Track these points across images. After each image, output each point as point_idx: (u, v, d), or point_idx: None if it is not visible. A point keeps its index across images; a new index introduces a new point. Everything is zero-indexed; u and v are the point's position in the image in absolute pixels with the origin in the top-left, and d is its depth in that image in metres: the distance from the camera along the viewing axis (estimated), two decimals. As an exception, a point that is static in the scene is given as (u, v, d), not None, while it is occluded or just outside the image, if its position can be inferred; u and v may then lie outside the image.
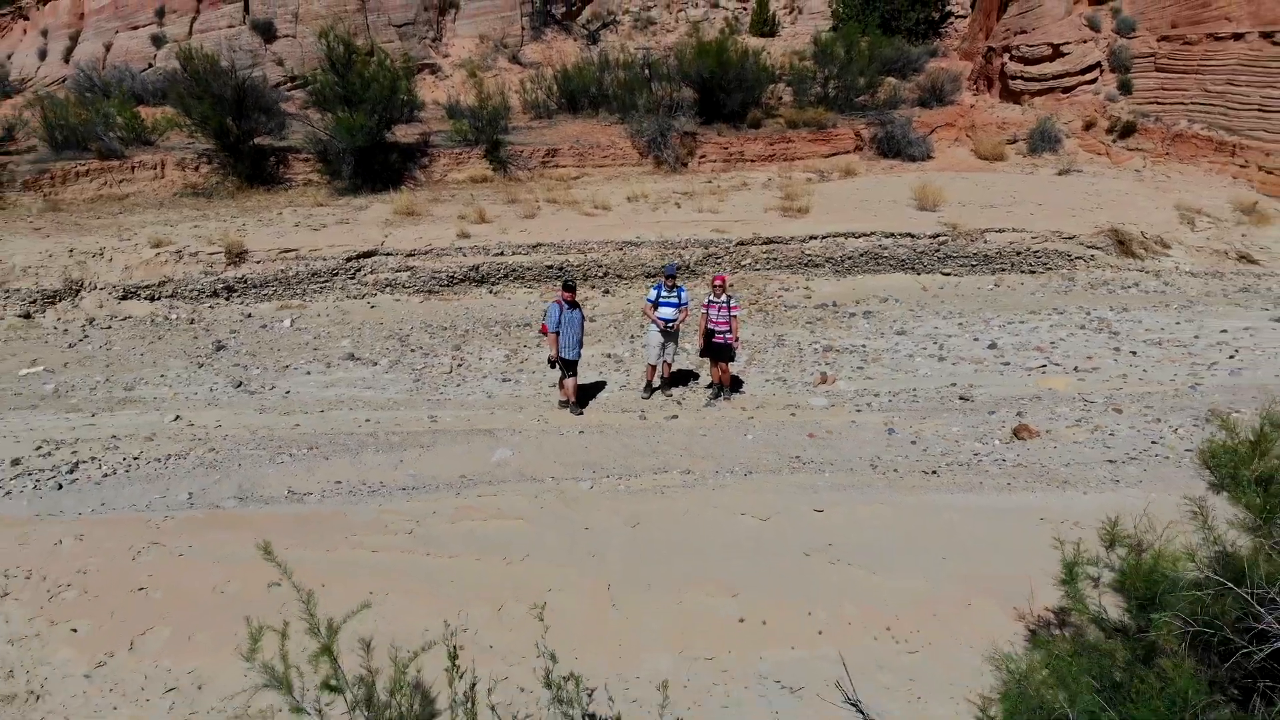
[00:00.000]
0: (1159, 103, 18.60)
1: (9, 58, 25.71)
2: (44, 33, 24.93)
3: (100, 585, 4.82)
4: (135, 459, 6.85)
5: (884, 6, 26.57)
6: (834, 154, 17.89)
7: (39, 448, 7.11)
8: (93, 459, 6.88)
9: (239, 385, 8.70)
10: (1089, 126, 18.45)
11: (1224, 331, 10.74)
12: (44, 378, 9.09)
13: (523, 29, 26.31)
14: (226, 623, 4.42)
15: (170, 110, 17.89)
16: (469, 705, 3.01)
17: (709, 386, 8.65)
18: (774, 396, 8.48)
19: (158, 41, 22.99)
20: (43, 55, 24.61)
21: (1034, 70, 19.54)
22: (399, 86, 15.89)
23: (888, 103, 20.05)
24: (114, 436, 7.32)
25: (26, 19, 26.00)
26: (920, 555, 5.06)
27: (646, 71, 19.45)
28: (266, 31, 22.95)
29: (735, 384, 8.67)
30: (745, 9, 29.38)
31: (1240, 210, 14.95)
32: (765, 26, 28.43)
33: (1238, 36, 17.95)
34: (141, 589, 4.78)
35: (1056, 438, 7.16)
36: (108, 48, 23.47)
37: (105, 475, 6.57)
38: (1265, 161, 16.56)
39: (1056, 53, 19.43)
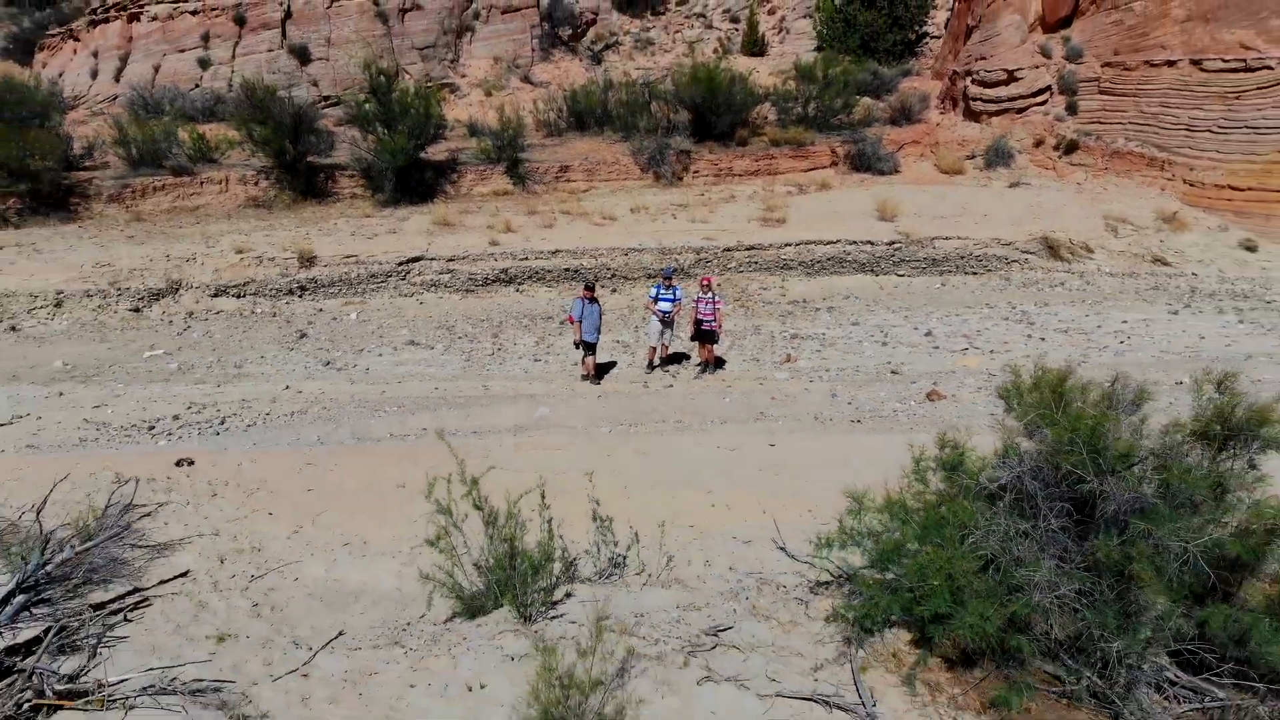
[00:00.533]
0: (1101, 122, 20.90)
1: (60, 75, 27.93)
2: (94, 53, 27.16)
3: (279, 488, 7.07)
4: (266, 415, 9.12)
5: (864, 29, 28.88)
6: (812, 169, 20.18)
7: (189, 407, 9.37)
8: (234, 415, 9.14)
9: (327, 364, 10.97)
10: (1039, 144, 20.75)
11: (1124, 322, 13.03)
12: (166, 359, 11.34)
13: (533, 51, 28.60)
14: (374, 508, 6.67)
15: (226, 129, 20.22)
16: (548, 525, 5.25)
17: (698, 364, 10.92)
18: (748, 371, 10.76)
19: (203, 64, 25.26)
20: (94, 74, 26.84)
21: (991, 93, 21.85)
22: (432, 113, 18.10)
23: (862, 121, 22.33)
24: (243, 400, 9.59)
25: (77, 40, 28.22)
26: (838, 469, 7.31)
27: (646, 95, 21.66)
28: (302, 55, 25.23)
29: (719, 362, 10.95)
30: (737, 29, 31.68)
31: (1162, 219, 17.26)
32: (755, 46, 30.73)
33: (1170, 63, 20.25)
34: (310, 489, 7.03)
35: (959, 400, 9.42)
36: (156, 69, 25.73)
37: (248, 426, 8.84)
38: (1189, 175, 18.87)
39: (1011, 77, 21.73)
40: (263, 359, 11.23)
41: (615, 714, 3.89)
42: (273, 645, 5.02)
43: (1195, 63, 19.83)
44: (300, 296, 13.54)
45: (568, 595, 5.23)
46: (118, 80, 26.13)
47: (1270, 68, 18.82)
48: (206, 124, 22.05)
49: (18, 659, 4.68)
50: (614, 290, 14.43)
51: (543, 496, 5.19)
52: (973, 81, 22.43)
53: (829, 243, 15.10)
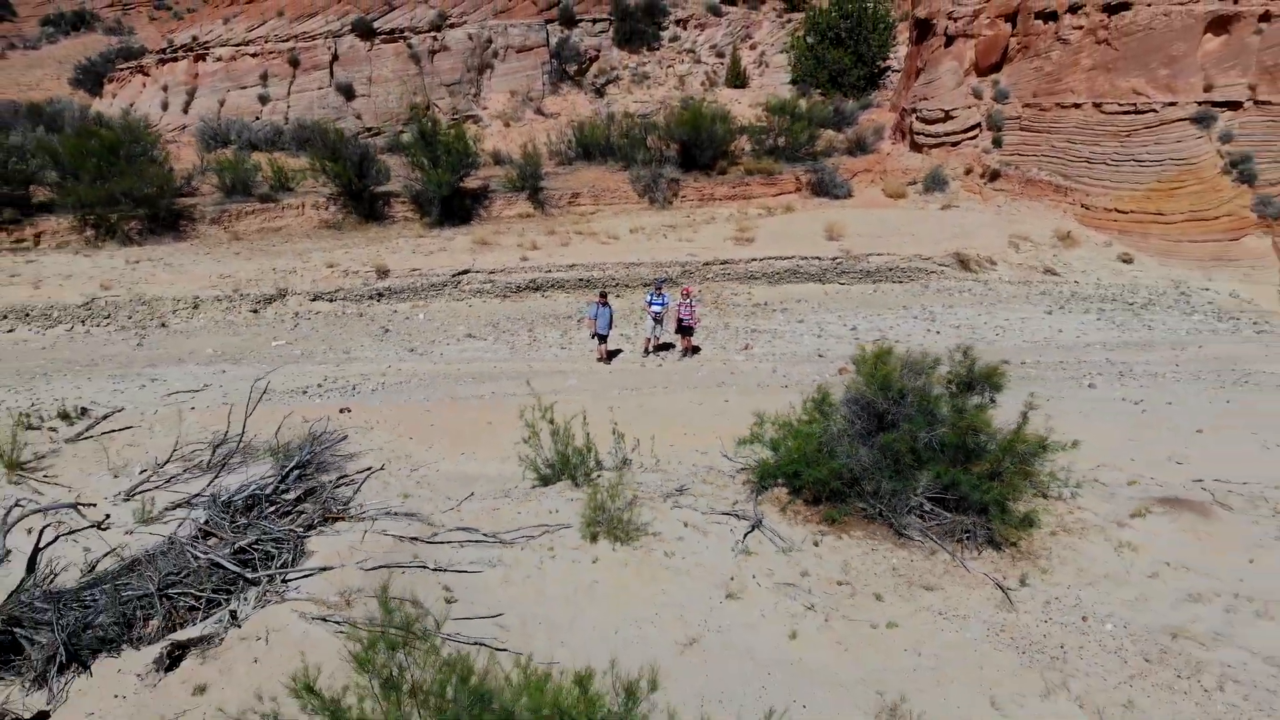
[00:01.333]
0: (1019, 154, 24.89)
1: (131, 105, 31.78)
2: (164, 88, 31.02)
3: (411, 425, 10.99)
4: (382, 383, 13.06)
5: (832, 65, 32.88)
6: (780, 194, 24.14)
7: (324, 379, 13.29)
8: (359, 384, 13.08)
9: (411, 350, 14.90)
10: (969, 172, 24.74)
11: (1006, 319, 16.99)
12: (289, 347, 15.27)
13: (543, 85, 32.56)
14: (474, 436, 10.59)
15: (288, 158, 24.16)
16: (586, 437, 9.17)
17: (680, 351, 14.85)
18: (716, 356, 14.72)
19: (263, 100, 29.18)
20: (164, 106, 30.70)
21: (932, 128, 25.84)
22: (469, 150, 22.00)
23: (824, 152, 26.31)
24: (361, 374, 13.52)
25: (146, 75, 32.07)
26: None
27: (642, 131, 25.58)
28: (347, 92, 29.16)
29: (695, 350, 14.89)
30: (722, 63, 35.64)
31: (1058, 237, 21.25)
32: (738, 79, 34.69)
33: (1077, 105, 24.24)
34: (431, 425, 10.96)
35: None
36: (221, 103, 29.62)
37: (372, 390, 12.78)
38: (1086, 200, 22.86)
39: (948, 115, 25.73)
40: (363, 347, 15.17)
41: (627, 520, 7.84)
42: (434, 499, 8.95)
43: (1097, 105, 23.84)
44: (378, 301, 17.47)
45: (599, 474, 9.17)
46: (186, 112, 30.02)
47: (1155, 110, 22.83)
48: (269, 152, 25.98)
49: (305, 501, 8.63)
50: (618, 296, 18.34)
51: (584, 420, 9.15)
52: (917, 118, 26.44)
53: (787, 258, 19.08)
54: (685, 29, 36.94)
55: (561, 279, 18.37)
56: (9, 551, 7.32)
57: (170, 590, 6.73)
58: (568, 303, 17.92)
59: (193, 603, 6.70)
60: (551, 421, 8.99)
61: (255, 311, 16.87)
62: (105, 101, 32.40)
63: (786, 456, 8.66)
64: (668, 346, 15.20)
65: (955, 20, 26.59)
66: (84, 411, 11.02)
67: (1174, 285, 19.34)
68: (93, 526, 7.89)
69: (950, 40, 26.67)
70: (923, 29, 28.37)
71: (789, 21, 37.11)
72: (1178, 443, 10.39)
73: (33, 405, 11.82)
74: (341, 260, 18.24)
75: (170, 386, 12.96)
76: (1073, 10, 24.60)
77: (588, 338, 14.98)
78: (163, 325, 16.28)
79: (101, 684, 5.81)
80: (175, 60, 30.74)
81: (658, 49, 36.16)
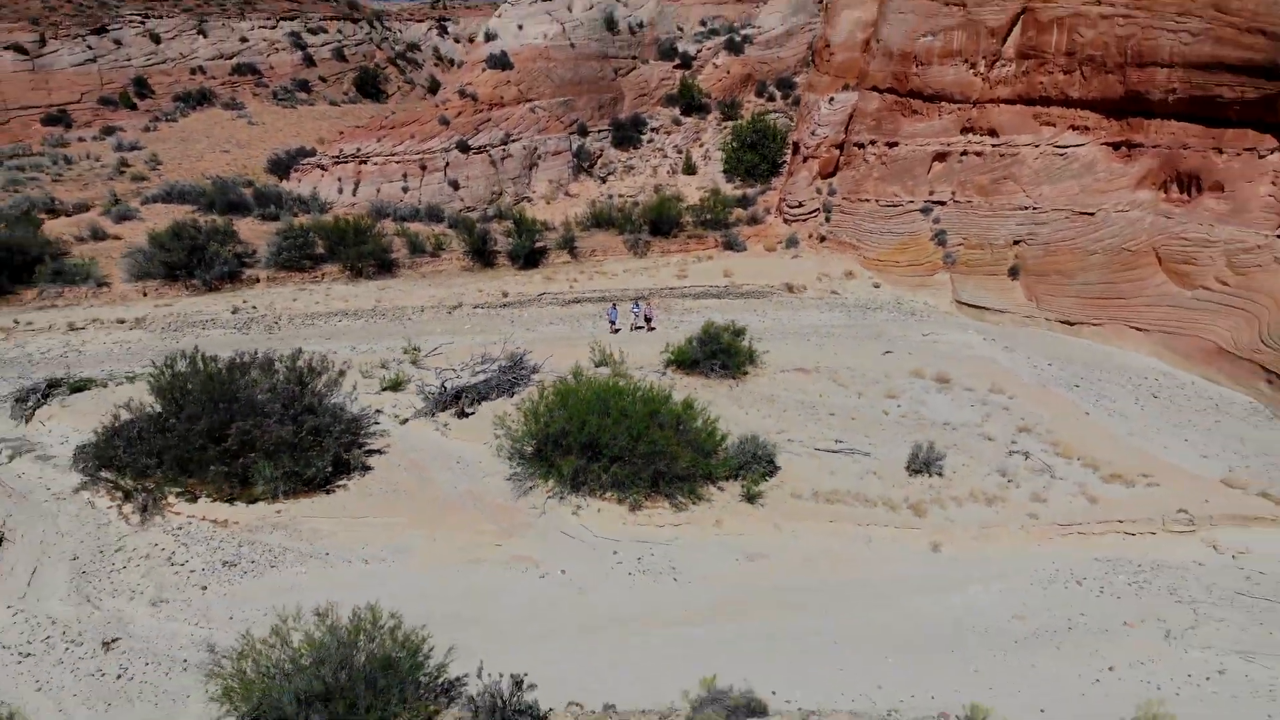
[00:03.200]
0: (838, 226, 42.79)
1: (315, 189, 49.43)
2: (338, 179, 48.67)
3: (539, 352, 28.78)
4: (529, 340, 30.84)
5: (748, 163, 50.96)
6: (705, 249, 42.11)
7: (495, 341, 31.06)
8: (515, 338, 30.86)
9: (527, 330, 32.68)
10: (810, 236, 42.69)
11: (798, 315, 34.87)
12: (474, 329, 32.99)
13: (569, 175, 50.53)
14: (569, 353, 28.39)
15: (427, 228, 41.94)
16: (603, 352, 26.85)
17: (646, 329, 32.66)
18: (660, 331, 32.58)
19: (405, 190, 46.94)
20: (339, 190, 48.32)
21: (792, 211, 43.85)
22: (536, 227, 39.87)
23: (733, 222, 44.27)
24: (508, 338, 31.27)
25: (324, 169, 49.74)
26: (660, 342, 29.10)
27: (630, 212, 43.54)
28: (455, 185, 46.99)
29: (652, 329, 32.73)
30: (681, 158, 53.69)
31: (845, 274, 39.24)
32: (690, 169, 52.73)
33: (866, 200, 42.28)
34: (550, 354, 28.77)
35: (719, 335, 31.20)
36: (377, 190, 47.31)
37: (523, 344, 30.56)
38: (865, 254, 40.81)
39: (801, 204, 43.75)
40: (504, 328, 32.88)
41: (623, 365, 25.64)
42: (557, 371, 26.74)
43: (876, 200, 41.86)
44: (504, 309, 35.17)
45: (619, 362, 26.89)
46: (355, 195, 47.75)
47: (903, 204, 40.80)
48: (412, 222, 43.80)
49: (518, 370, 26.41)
50: (616, 302, 36.20)
51: (604, 349, 27.00)
52: (785, 204, 44.48)
53: (702, 286, 37.01)
54: (658, 134, 55.14)
55: (590, 296, 36.22)
56: (445, 385, 25.09)
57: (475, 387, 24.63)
58: (594, 308, 35.73)
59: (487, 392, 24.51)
60: (593, 348, 26.74)
61: (450, 312, 34.64)
62: (294, 185, 50.08)
63: (681, 353, 26.47)
64: (639, 327, 32.99)
65: (809, 146, 44.74)
66: (418, 349, 28.80)
67: (895, 299, 37.33)
68: (452, 372, 25.69)
69: (806, 158, 44.83)
70: (794, 148, 46.56)
71: (725, 128, 55.30)
72: (825, 355, 28.37)
73: (387, 349, 29.52)
74: (481, 288, 36.08)
75: (434, 343, 30.66)
76: (871, 144, 42.76)
77: (605, 323, 32.73)
78: (409, 319, 34.03)
79: (484, 413, 23.63)
80: (345, 163, 48.50)
81: (640, 148, 54.27)
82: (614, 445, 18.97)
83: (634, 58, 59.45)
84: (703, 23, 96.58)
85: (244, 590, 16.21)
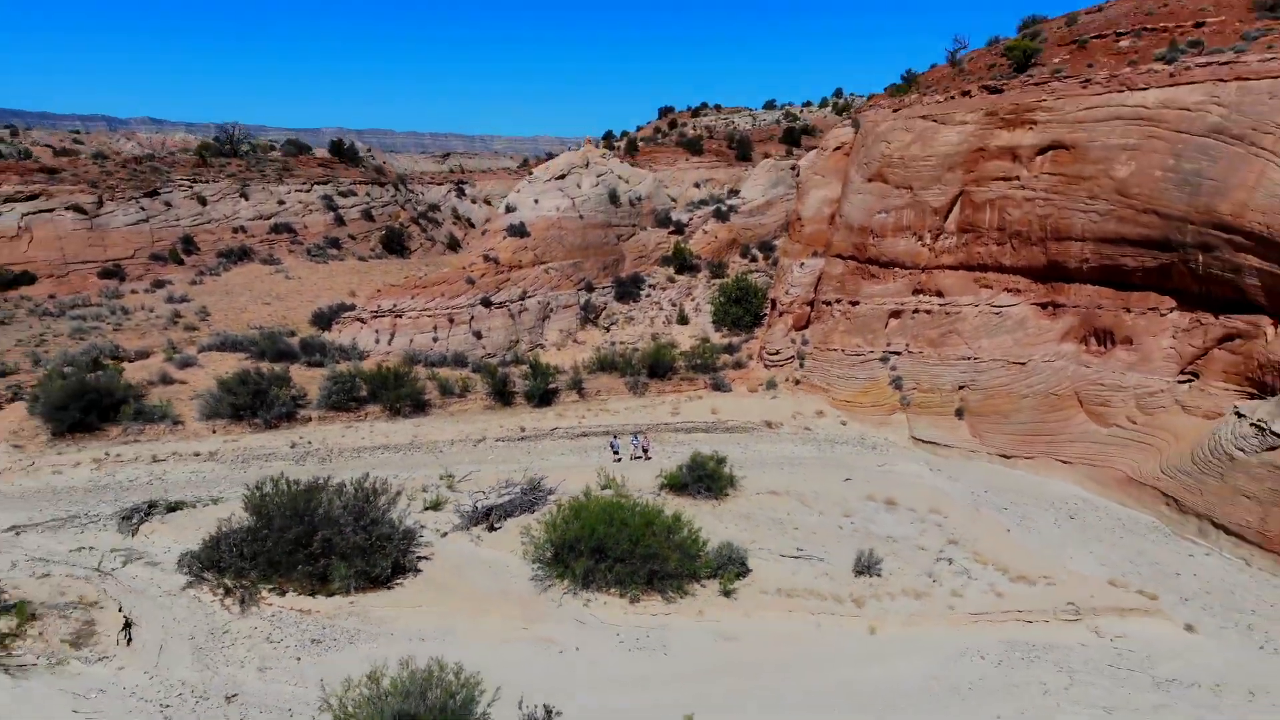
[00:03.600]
0: (811, 372, 48.67)
1: (354, 339, 55.67)
2: (375, 330, 55.00)
3: (553, 477, 33.81)
4: (535, 468, 35.92)
5: (734, 314, 57.48)
6: (696, 390, 47.79)
7: (516, 469, 36.12)
8: (528, 467, 35.94)
9: (541, 459, 37.81)
10: (786, 379, 48.50)
11: (776, 447, 40.04)
12: (497, 458, 38.08)
13: (577, 325, 56.95)
14: (579, 478, 33.40)
15: (454, 372, 47.74)
16: (609, 477, 31.86)
17: (644, 458, 37.75)
18: (655, 460, 37.66)
19: (434, 339, 53.15)
20: (376, 340, 54.52)
21: (771, 357, 49.85)
22: (550, 372, 45.68)
23: (720, 366, 50.18)
24: (526, 466, 36.34)
25: (363, 323, 56.16)
26: (657, 467, 34.10)
27: (630, 358, 49.55)
28: (478, 335, 53.23)
29: (649, 458, 37.83)
30: (675, 310, 60.35)
31: (816, 412, 44.74)
32: (683, 319, 59.26)
33: (834, 350, 48.33)
34: (563, 478, 33.83)
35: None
36: (411, 340, 53.50)
37: (535, 469, 35.64)
38: (834, 395, 46.45)
39: (778, 351, 49.80)
40: (522, 458, 37.94)
41: (622, 484, 30.64)
42: (570, 491, 31.71)
43: (843, 350, 47.91)
44: (521, 441, 40.39)
45: (621, 483, 31.85)
46: (390, 344, 53.92)
47: (864, 355, 46.79)
48: (441, 368, 49.67)
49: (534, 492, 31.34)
50: (618, 436, 41.46)
51: (608, 474, 32.08)
52: (765, 351, 50.55)
53: (692, 422, 42.40)
54: (655, 290, 62.12)
55: (595, 430, 41.55)
56: (476, 505, 30.04)
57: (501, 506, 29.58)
58: (599, 440, 40.94)
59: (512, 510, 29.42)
60: (599, 473, 31.78)
61: (475, 445, 39.87)
62: (336, 335, 56.39)
63: (672, 477, 31.52)
64: (638, 457, 38.06)
65: (784, 303, 51.30)
66: (452, 476, 33.86)
67: (860, 435, 42.64)
68: (482, 494, 30.65)
69: (782, 312, 51.29)
70: (773, 304, 53.15)
71: (713, 285, 62.33)
72: (795, 481, 33.41)
73: (425, 476, 34.54)
74: (502, 424, 41.48)
75: (465, 471, 35.67)
76: (836, 302, 49.25)
77: (609, 453, 37.82)
78: (441, 451, 39.18)
79: (509, 527, 28.53)
80: (383, 316, 55.00)
81: (639, 301, 61.06)
82: (617, 549, 23.76)
83: (634, 225, 67.38)
84: (696, 185, 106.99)
85: (329, 660, 20.66)
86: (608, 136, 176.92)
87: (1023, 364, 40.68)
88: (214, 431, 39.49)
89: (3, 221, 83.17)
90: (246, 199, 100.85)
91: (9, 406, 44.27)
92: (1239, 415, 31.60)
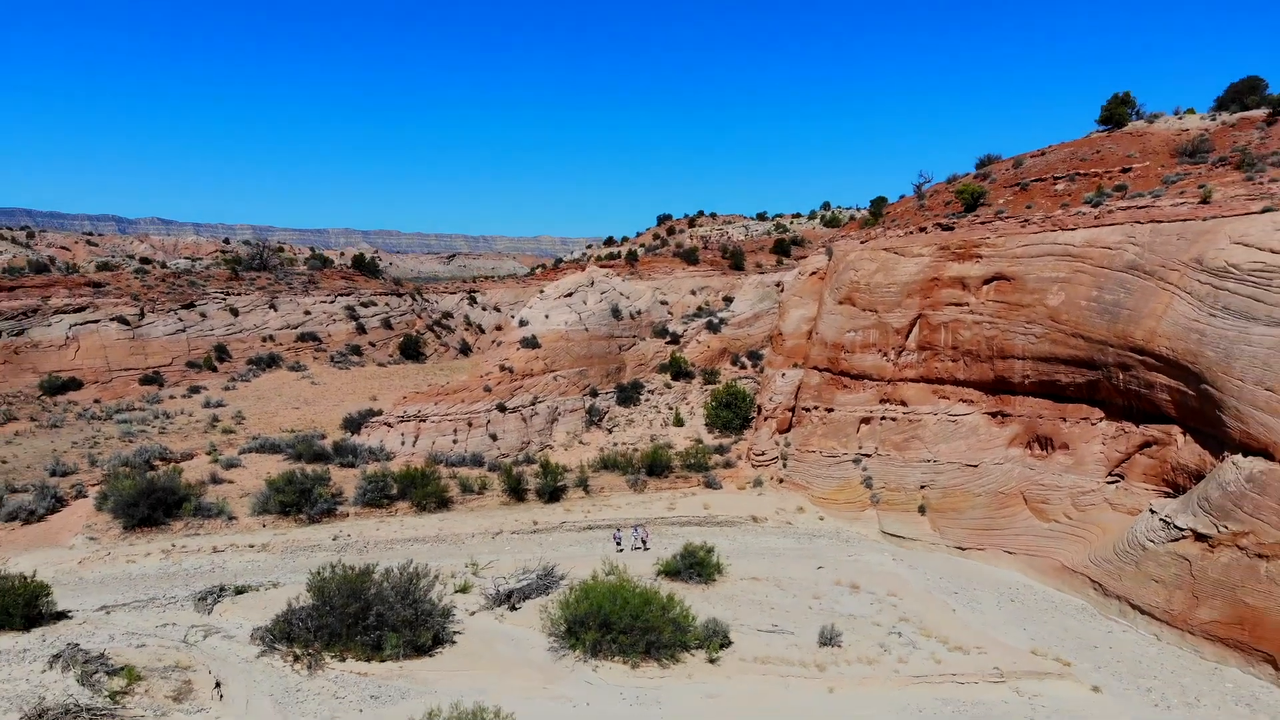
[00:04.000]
0: (794, 472, 53.63)
1: (382, 441, 60.94)
2: (401, 434, 60.31)
3: (565, 565, 38.56)
4: (549, 558, 40.68)
5: (725, 418, 62.95)
6: (690, 487, 52.79)
7: (529, 560, 40.87)
8: (541, 558, 40.70)
9: (553, 549, 42.58)
10: (771, 478, 53.54)
11: (761, 539, 44.81)
12: (514, 549, 42.83)
13: (583, 427, 62.35)
14: (587, 566, 38.17)
15: (472, 471, 52.86)
16: (614, 566, 36.65)
17: (644, 548, 42.51)
18: (652, 550, 42.41)
19: (455, 441, 58.42)
20: (402, 443, 59.79)
21: (758, 458, 55.03)
22: (557, 469, 50.83)
23: (712, 465, 55.31)
24: (540, 557, 41.09)
25: (390, 426, 61.55)
26: (650, 557, 38.83)
27: (631, 459, 54.78)
28: (494, 436, 58.55)
29: (648, 548, 42.59)
30: (672, 413, 65.88)
31: (797, 509, 49.67)
32: (679, 422, 64.72)
33: (813, 451, 53.58)
34: (571, 566, 38.57)
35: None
36: (433, 442, 58.77)
37: (548, 558, 40.38)
38: (813, 493, 51.45)
39: (764, 453, 55.02)
40: (534, 549, 42.66)
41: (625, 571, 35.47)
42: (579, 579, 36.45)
43: (820, 452, 53.15)
44: (534, 534, 45.17)
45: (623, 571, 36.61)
46: (414, 446, 59.17)
47: (837, 456, 52.03)
48: (460, 467, 54.79)
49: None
50: (619, 528, 46.23)
51: (612, 563, 36.91)
52: (752, 453, 55.80)
53: (687, 516, 47.28)
54: (653, 395, 67.83)
55: (600, 524, 46.38)
56: (499, 589, 34.83)
57: (520, 589, 34.37)
58: (604, 533, 45.70)
59: (529, 593, 34.16)
60: (604, 561, 36.57)
61: (493, 537, 44.65)
62: (365, 438, 61.70)
63: (668, 565, 36.33)
64: (638, 547, 42.80)
65: (769, 409, 56.85)
66: (476, 564, 38.66)
67: (835, 529, 47.43)
68: (503, 579, 35.41)
69: (767, 417, 56.81)
70: (759, 409, 58.74)
71: (706, 391, 68.04)
72: (775, 569, 38.19)
73: (451, 564, 39.28)
74: (517, 518, 46.35)
75: (486, 560, 40.41)
76: (814, 409, 54.81)
77: (612, 544, 42.57)
78: (464, 543, 43.96)
79: (528, 607, 33.30)
80: (408, 421, 60.48)
81: (639, 405, 66.65)
82: (620, 624, 28.50)
83: (634, 336, 73.71)
84: (693, 292, 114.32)
85: (387, 712, 25.19)
86: (609, 242, 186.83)
87: (975, 466, 45.90)
88: (264, 525, 44.43)
89: (52, 332, 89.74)
90: (275, 310, 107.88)
91: (75, 503, 49.40)
92: (1152, 512, 36.69)
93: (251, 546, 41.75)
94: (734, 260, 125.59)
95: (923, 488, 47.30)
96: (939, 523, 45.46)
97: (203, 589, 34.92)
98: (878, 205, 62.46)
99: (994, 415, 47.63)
